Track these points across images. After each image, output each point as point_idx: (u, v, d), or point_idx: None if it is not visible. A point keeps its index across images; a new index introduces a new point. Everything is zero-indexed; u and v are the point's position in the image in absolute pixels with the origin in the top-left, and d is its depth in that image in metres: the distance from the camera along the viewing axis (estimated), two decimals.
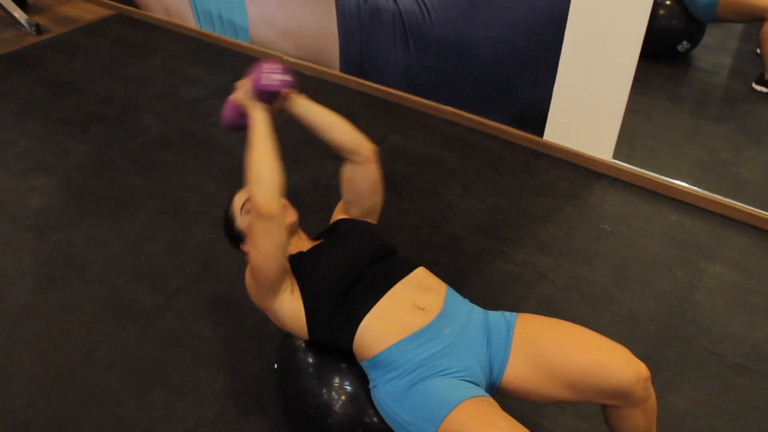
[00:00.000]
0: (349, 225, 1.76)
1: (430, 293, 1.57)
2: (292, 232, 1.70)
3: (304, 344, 1.66)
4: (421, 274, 1.63)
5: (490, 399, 1.41)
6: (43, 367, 2.03)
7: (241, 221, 1.71)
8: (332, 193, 2.76)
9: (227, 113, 1.66)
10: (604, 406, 1.59)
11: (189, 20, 3.97)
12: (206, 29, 3.92)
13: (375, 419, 1.54)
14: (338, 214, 1.85)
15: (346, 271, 1.57)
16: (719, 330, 2.21)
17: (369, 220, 1.83)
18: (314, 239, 1.78)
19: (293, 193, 2.75)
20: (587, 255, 2.50)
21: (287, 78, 1.59)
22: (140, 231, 2.55)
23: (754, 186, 2.87)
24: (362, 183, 1.74)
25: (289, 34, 3.60)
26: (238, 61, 3.75)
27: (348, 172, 1.74)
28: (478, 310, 1.61)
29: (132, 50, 3.89)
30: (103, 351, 2.08)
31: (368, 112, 3.36)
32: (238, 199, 1.73)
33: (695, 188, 2.77)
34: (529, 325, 1.55)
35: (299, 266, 1.60)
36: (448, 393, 1.39)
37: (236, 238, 1.74)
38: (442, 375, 1.44)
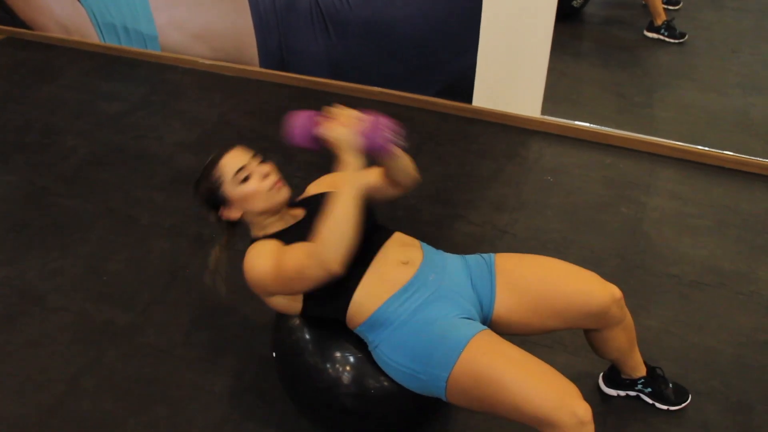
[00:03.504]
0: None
1: (410, 247, 1.62)
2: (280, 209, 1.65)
3: (297, 325, 1.67)
4: (398, 235, 1.67)
5: (491, 331, 1.47)
6: (26, 406, 1.92)
7: (232, 188, 1.57)
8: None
9: (300, 134, 1.49)
10: (587, 333, 1.71)
11: (91, 36, 3.80)
12: (112, 42, 3.77)
13: (385, 382, 1.57)
14: (323, 187, 1.79)
15: None
16: (670, 254, 2.40)
17: None
18: (293, 206, 1.73)
19: None
20: (539, 206, 2.63)
21: (401, 141, 1.51)
22: (95, 253, 2.45)
23: (670, 122, 3.11)
24: (383, 197, 1.74)
25: (201, 36, 3.53)
26: (152, 70, 3.64)
27: (378, 186, 1.71)
28: (453, 256, 1.67)
29: (34, 73, 3.68)
30: (88, 377, 2.00)
31: (296, 105, 3.36)
32: (232, 163, 1.58)
33: (621, 132, 2.97)
34: (509, 262, 1.63)
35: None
36: (454, 334, 1.44)
37: (217, 202, 1.61)
38: (440, 317, 1.48)
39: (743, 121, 3.12)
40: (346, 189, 1.41)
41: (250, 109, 3.32)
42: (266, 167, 1.59)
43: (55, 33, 3.91)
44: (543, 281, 1.58)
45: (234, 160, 1.58)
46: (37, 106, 3.39)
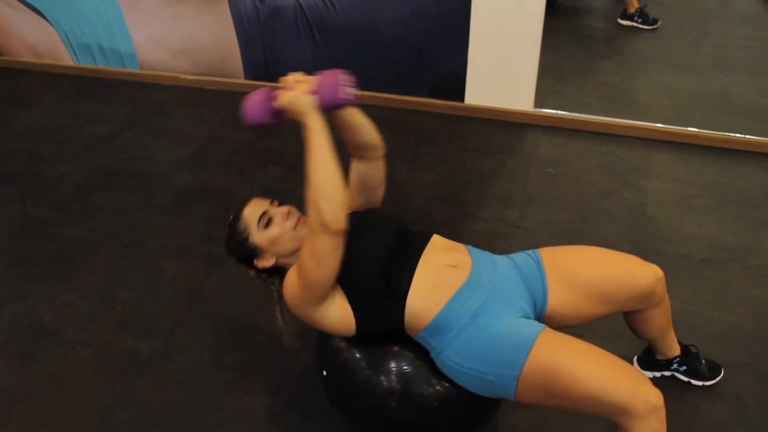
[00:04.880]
0: (363, 216, 1.70)
1: (455, 251, 1.63)
2: None
3: (345, 342, 1.65)
4: (438, 239, 1.68)
5: (551, 329, 1.49)
6: None
7: (259, 236, 1.61)
8: (287, 197, 2.73)
9: (257, 111, 1.48)
10: (627, 315, 1.75)
11: (64, 58, 3.69)
12: (87, 64, 3.66)
13: (440, 388, 1.57)
14: None
15: (382, 260, 1.56)
16: (677, 235, 2.46)
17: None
18: None
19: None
20: (545, 199, 2.67)
21: (355, 90, 1.51)
22: (105, 281, 2.39)
23: (656, 106, 3.19)
24: (375, 177, 1.73)
25: (183, 52, 3.46)
26: (133, 89, 3.55)
27: (361, 170, 1.71)
28: (500, 257, 1.69)
29: (9, 101, 3.56)
30: (119, 411, 1.95)
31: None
32: (254, 213, 1.63)
33: (612, 119, 3.03)
34: (555, 255, 1.67)
35: None
36: (519, 333, 1.45)
37: (250, 255, 1.65)
38: (501, 317, 1.50)
39: (724, 101, 3.22)
40: (311, 131, 1.43)
41: (240, 122, 3.27)
42: (285, 207, 1.63)
43: (26, 57, 3.79)
44: (590, 269, 1.62)
45: (255, 209, 1.63)
46: (17, 134, 3.27)
